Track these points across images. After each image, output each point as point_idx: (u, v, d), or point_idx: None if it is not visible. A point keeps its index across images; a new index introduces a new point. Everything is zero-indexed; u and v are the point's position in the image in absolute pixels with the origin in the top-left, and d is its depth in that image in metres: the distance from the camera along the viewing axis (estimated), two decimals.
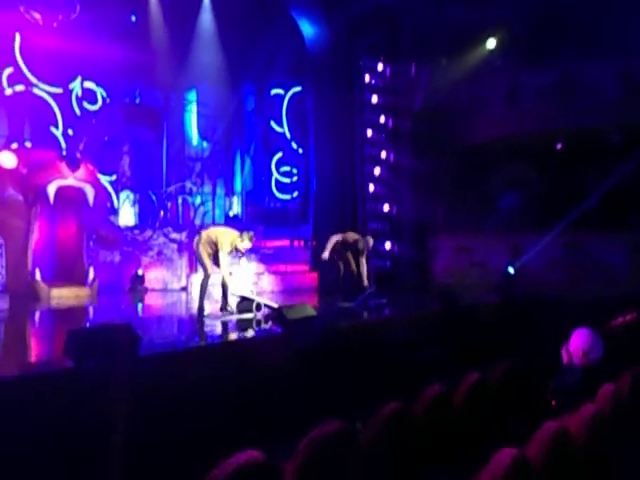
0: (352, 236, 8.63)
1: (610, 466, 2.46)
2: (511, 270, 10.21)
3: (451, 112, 11.73)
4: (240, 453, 1.78)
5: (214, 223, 12.09)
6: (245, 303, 6.63)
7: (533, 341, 4.88)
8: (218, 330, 5.78)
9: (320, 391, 3.39)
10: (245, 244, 6.72)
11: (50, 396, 2.99)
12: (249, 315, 6.39)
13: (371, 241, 8.72)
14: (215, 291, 7.42)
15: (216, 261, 6.69)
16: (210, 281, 6.86)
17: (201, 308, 6.54)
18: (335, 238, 8.48)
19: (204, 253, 6.69)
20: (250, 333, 5.32)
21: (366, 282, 8.57)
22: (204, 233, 6.91)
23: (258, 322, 6.05)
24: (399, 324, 5.63)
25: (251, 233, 6.91)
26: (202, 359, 3.88)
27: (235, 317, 6.36)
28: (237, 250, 6.80)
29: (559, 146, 11.73)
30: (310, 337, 4.33)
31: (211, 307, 6.74)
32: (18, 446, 2.74)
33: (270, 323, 5.63)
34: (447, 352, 5.25)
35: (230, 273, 6.88)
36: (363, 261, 8.57)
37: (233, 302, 6.78)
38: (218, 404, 3.21)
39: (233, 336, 5.50)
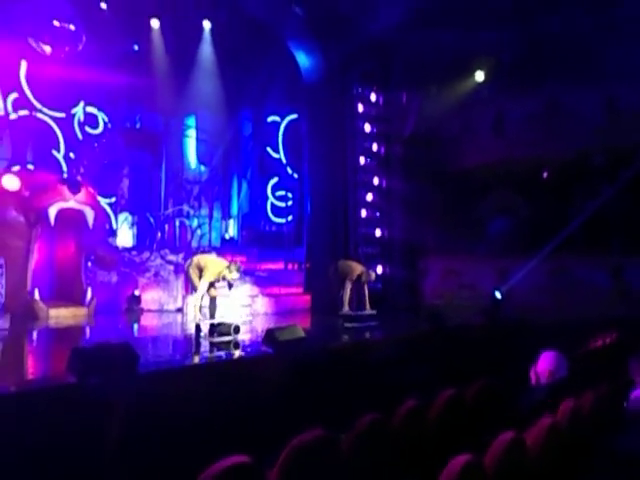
0: (356, 268, 9.09)
1: (563, 477, 2.69)
2: (498, 294, 10.44)
3: (441, 139, 12.11)
4: (227, 457, 2.00)
5: (209, 246, 12.35)
6: (223, 326, 6.84)
7: (513, 362, 5.09)
8: (212, 350, 6.01)
9: (308, 406, 3.62)
10: (233, 275, 6.98)
11: (52, 410, 3.20)
12: (228, 338, 6.59)
13: (373, 275, 9.27)
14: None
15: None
16: (203, 302, 7.11)
17: (198, 327, 6.81)
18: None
19: (194, 275, 6.99)
20: (241, 353, 5.57)
21: (368, 306, 9.05)
22: (195, 258, 7.29)
23: (236, 344, 6.29)
24: (387, 344, 5.88)
25: (238, 264, 7.19)
26: (197, 376, 4.12)
27: (215, 340, 6.57)
28: (224, 279, 7.03)
29: (545, 174, 12.08)
30: (299, 357, 4.58)
31: (206, 327, 6.97)
32: (18, 460, 2.93)
33: (256, 344, 5.84)
34: (433, 371, 5.47)
35: (201, 300, 7.09)
36: (365, 289, 9.12)
37: (205, 327, 6.93)
38: (211, 417, 3.44)
39: (227, 355, 5.73)
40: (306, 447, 2.29)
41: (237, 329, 6.71)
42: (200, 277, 6.97)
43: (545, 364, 3.82)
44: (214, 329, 6.74)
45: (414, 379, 4.50)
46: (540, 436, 2.62)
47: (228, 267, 6.96)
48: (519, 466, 2.42)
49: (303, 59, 12.06)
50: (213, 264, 7.06)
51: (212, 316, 7.14)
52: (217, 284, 7.28)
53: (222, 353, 5.74)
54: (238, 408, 3.62)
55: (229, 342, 6.27)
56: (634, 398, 3.60)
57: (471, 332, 8.07)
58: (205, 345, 6.25)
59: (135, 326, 10.15)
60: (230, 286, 7.20)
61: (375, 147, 12.52)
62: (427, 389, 3.72)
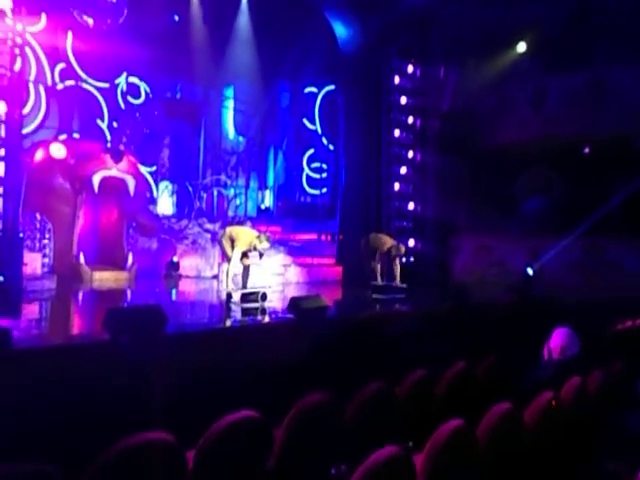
0: (387, 241, 9.15)
1: (561, 453, 2.77)
2: (530, 271, 10.36)
3: (478, 114, 11.89)
4: (236, 412, 2.19)
5: (245, 216, 12.62)
6: (252, 294, 7.11)
7: (534, 339, 5.11)
8: (239, 315, 6.29)
9: (322, 372, 3.81)
10: (263, 245, 7.20)
11: (89, 364, 3.51)
12: (255, 304, 6.87)
13: (403, 249, 9.27)
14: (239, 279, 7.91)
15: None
16: (236, 270, 7.39)
17: (229, 294, 7.10)
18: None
19: (226, 245, 7.26)
20: (267, 319, 5.84)
21: (398, 280, 9.14)
22: (227, 229, 7.57)
23: (263, 310, 6.55)
24: (408, 317, 6.01)
25: (268, 234, 7.44)
26: (222, 340, 4.38)
27: (244, 306, 6.84)
28: (256, 249, 7.27)
29: (586, 150, 11.76)
30: (321, 325, 4.78)
31: (237, 294, 7.24)
32: (59, 406, 3.22)
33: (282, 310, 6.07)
34: (451, 346, 5.57)
35: (235, 271, 7.35)
36: (395, 263, 9.18)
37: (237, 295, 7.20)
38: (230, 377, 3.69)
39: (252, 320, 5.99)
40: (310, 409, 2.47)
41: (264, 296, 6.96)
42: (232, 247, 7.22)
43: (558, 340, 3.88)
44: (244, 296, 7.00)
45: (430, 353, 4.62)
46: (538, 411, 2.72)
47: (258, 237, 7.19)
48: (513, 438, 2.53)
49: (341, 30, 11.97)
50: (244, 234, 7.30)
51: (244, 284, 7.42)
52: (250, 253, 7.51)
53: (248, 318, 5.99)
54: (257, 370, 3.85)
55: (256, 308, 6.52)
56: None
57: (496, 309, 8.05)
58: (234, 311, 6.52)
59: (173, 291, 10.56)
60: (261, 255, 7.43)
61: (411, 120, 12.42)
62: (440, 363, 3.84)
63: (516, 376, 3.69)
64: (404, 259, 11.48)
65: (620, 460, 2.81)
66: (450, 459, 2.16)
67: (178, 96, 13.21)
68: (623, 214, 10.38)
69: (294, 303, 4.92)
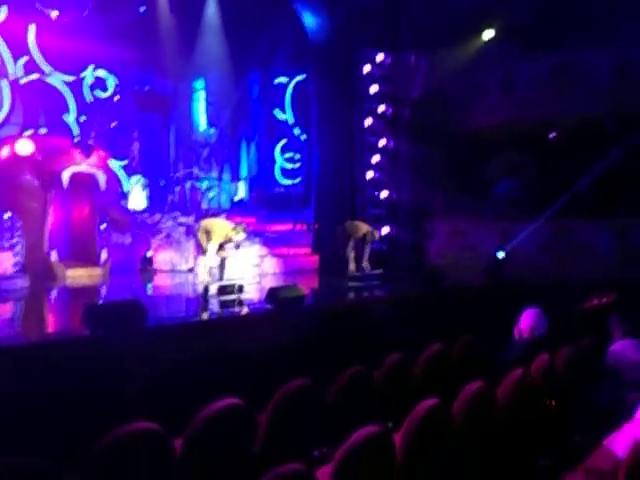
0: (362, 227, 9.31)
1: (532, 427, 2.93)
2: (501, 254, 10.61)
3: (449, 100, 12.05)
4: (221, 399, 2.28)
5: (219, 208, 12.60)
6: (229, 286, 7.18)
7: (506, 321, 5.28)
8: (216, 308, 6.35)
9: (301, 360, 3.92)
10: (239, 236, 7.28)
11: (68, 359, 3.55)
12: (233, 296, 6.93)
13: (377, 234, 9.45)
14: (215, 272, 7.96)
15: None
16: (212, 262, 7.44)
17: (206, 287, 7.16)
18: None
19: (202, 238, 7.31)
20: (244, 310, 5.92)
21: (366, 264, 9.29)
22: (202, 222, 7.64)
23: (240, 302, 6.64)
24: (383, 303, 6.15)
25: (244, 225, 7.48)
26: (200, 331, 4.46)
27: (221, 299, 6.92)
28: (232, 241, 7.32)
29: (553, 134, 12.03)
30: (299, 314, 4.89)
31: (214, 287, 7.28)
32: (38, 401, 3.26)
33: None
34: (426, 330, 5.73)
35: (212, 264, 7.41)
36: (367, 248, 9.34)
37: (214, 288, 7.25)
38: (212, 367, 3.78)
39: (229, 312, 6.07)
40: (292, 394, 2.58)
41: (241, 288, 7.04)
42: (208, 240, 7.27)
43: (527, 321, 4.06)
44: (221, 289, 7.07)
45: (407, 337, 4.76)
46: (509, 388, 2.87)
47: (234, 229, 7.25)
48: (486, 414, 2.67)
49: (309, 19, 11.97)
50: (219, 227, 7.36)
51: (221, 276, 7.48)
52: (226, 245, 7.56)
53: (225, 310, 6.07)
54: (238, 361, 3.95)
55: (234, 300, 6.61)
56: (612, 351, 3.83)
57: (469, 292, 8.27)
58: (211, 303, 6.59)
59: (148, 285, 10.54)
60: (237, 247, 7.49)
61: (382, 108, 12.52)
62: (417, 346, 3.97)
63: (489, 356, 3.85)
64: (380, 245, 11.66)
65: (587, 432, 2.98)
66: (427, 436, 2.29)
67: (147, 88, 13.06)
68: (592, 196, 10.68)
69: (272, 293, 5.01)
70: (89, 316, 3.55)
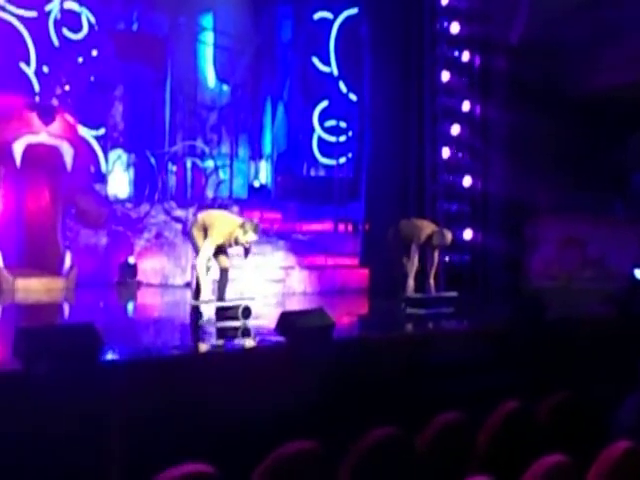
0: (426, 228, 9.27)
1: None
2: (639, 273, 10.42)
3: (565, 48, 11.87)
4: (188, 464, 2.32)
5: (230, 198, 12.71)
6: (230, 309, 7.23)
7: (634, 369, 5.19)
8: (211, 338, 6.43)
9: (320, 420, 3.95)
10: (248, 236, 7.27)
11: None
12: (236, 323, 7.01)
13: (449, 236, 9.35)
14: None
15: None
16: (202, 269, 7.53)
17: (196, 308, 7.27)
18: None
19: (197, 236, 7.38)
20: (251, 343, 5.93)
21: (432, 282, 9.22)
22: (200, 216, 7.68)
23: (245, 331, 6.68)
24: (449, 340, 6.08)
25: (256, 222, 7.49)
26: (178, 370, 4.51)
27: (219, 325, 6.99)
28: (238, 244, 7.36)
29: None
30: (323, 351, 4.87)
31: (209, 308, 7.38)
32: None
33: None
34: (517, 380, 5.66)
35: (208, 269, 7.49)
36: (435, 257, 9.32)
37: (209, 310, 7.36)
38: (192, 428, 3.84)
39: (228, 345, 6.14)
40: (289, 458, 2.62)
41: (247, 312, 7.06)
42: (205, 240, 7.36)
43: None
44: (219, 311, 7.14)
45: (481, 388, 4.74)
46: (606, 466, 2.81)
47: (242, 226, 7.26)
48: None
49: None
50: (222, 222, 7.38)
51: (221, 293, 7.52)
52: (229, 250, 7.63)
53: (221, 342, 6.11)
54: (233, 409, 4.00)
55: (236, 328, 6.65)
56: None
57: (590, 327, 8.13)
58: (206, 331, 6.66)
59: (128, 305, 10.74)
60: (246, 252, 7.54)
61: (466, 58, 12.43)
62: (492, 400, 3.95)
63: (594, 420, 3.79)
64: (459, 256, 11.53)
65: None
66: None
67: (135, 27, 13.35)
68: None
69: (285, 320, 5.03)
70: (21, 345, 3.64)
